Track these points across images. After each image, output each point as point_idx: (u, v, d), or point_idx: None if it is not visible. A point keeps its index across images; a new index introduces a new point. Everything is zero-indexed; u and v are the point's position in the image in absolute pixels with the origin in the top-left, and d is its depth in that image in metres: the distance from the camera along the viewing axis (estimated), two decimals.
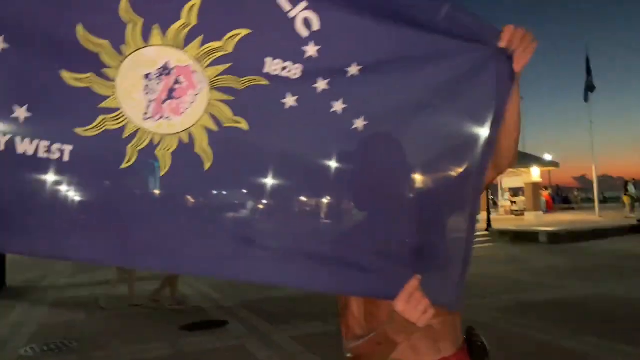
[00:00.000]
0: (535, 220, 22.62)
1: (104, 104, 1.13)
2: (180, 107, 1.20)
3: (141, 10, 1.14)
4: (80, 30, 1.10)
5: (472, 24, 1.34)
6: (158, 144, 1.19)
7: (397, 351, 1.61)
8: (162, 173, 1.20)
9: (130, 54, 1.14)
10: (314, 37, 1.25)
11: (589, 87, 24.10)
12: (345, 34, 1.27)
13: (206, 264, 1.23)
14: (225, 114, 1.23)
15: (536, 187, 25.24)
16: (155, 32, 1.16)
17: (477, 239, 17.41)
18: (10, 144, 1.07)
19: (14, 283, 11.78)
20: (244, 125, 1.24)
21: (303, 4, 1.22)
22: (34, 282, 12.34)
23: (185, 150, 1.20)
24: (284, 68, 1.24)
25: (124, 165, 1.17)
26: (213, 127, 1.22)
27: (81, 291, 10.88)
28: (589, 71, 24.19)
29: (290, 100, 1.26)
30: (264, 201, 1.28)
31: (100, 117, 1.13)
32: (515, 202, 29.04)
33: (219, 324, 7.55)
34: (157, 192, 1.19)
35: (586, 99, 24.49)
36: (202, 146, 1.21)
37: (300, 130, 1.28)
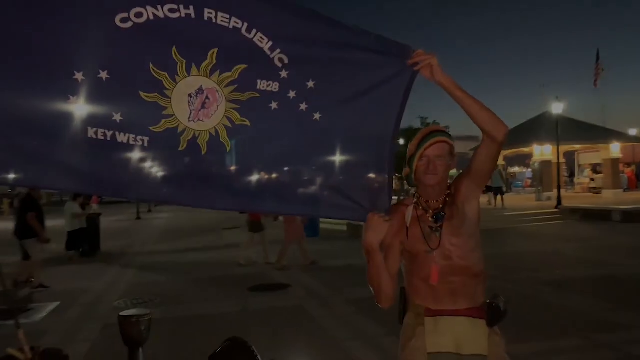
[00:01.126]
0: (613, 199, 21.63)
1: (164, 112, 1.85)
2: (209, 113, 1.90)
3: (184, 54, 1.84)
4: (152, 66, 1.81)
5: (393, 45, 2.05)
6: (198, 136, 1.91)
7: (421, 297, 2.20)
8: (203, 153, 1.92)
9: (180, 81, 1.85)
10: (285, 67, 1.97)
11: None
12: (304, 64, 2.00)
13: (231, 204, 2.13)
14: (236, 116, 1.94)
15: (615, 163, 24.00)
16: (193, 68, 1.86)
17: (544, 217, 17.32)
18: (114, 136, 1.80)
19: (106, 249, 13.41)
20: (247, 122, 1.96)
21: (278, 50, 1.96)
22: (123, 249, 13.96)
23: (214, 140, 1.92)
24: (268, 85, 1.96)
25: (180, 149, 1.90)
26: (229, 124, 1.94)
27: (163, 257, 12.22)
28: None
29: (274, 105, 1.99)
30: (265, 165, 2.06)
31: (163, 120, 1.85)
32: (593, 179, 27.66)
33: (282, 287, 8.39)
34: (200, 163, 1.94)
35: None
36: (224, 137, 1.93)
37: (282, 123, 2.02)
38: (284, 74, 1.97)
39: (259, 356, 2.56)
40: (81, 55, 1.71)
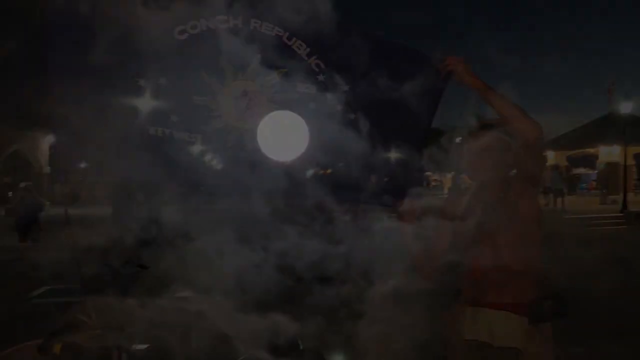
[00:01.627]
0: None
1: (214, 113, 2.11)
2: (254, 112, 2.15)
3: (231, 61, 2.08)
4: (203, 73, 2.07)
5: (423, 53, 2.24)
6: (243, 133, 2.16)
7: (467, 286, 2.27)
8: (249, 148, 2.17)
9: (227, 86, 2.11)
10: (321, 72, 2.20)
11: None
12: (339, 69, 2.22)
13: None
14: (276, 114, 2.15)
15: None
16: (239, 73, 2.12)
17: (607, 221, 16.54)
18: (171, 134, 2.09)
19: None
20: (287, 121, 2.16)
21: (315, 56, 2.20)
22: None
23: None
24: (306, 87, 2.19)
25: (228, 145, 2.16)
26: (270, 122, 2.15)
27: None
28: None
29: (312, 105, 2.20)
30: (305, 159, 2.23)
31: (212, 121, 2.12)
32: None
33: (334, 284, 8.58)
34: (246, 157, 2.15)
35: None
36: (267, 133, 2.16)
37: (319, 121, 2.18)
38: (320, 77, 2.20)
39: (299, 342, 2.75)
40: (145, 65, 2.00)
